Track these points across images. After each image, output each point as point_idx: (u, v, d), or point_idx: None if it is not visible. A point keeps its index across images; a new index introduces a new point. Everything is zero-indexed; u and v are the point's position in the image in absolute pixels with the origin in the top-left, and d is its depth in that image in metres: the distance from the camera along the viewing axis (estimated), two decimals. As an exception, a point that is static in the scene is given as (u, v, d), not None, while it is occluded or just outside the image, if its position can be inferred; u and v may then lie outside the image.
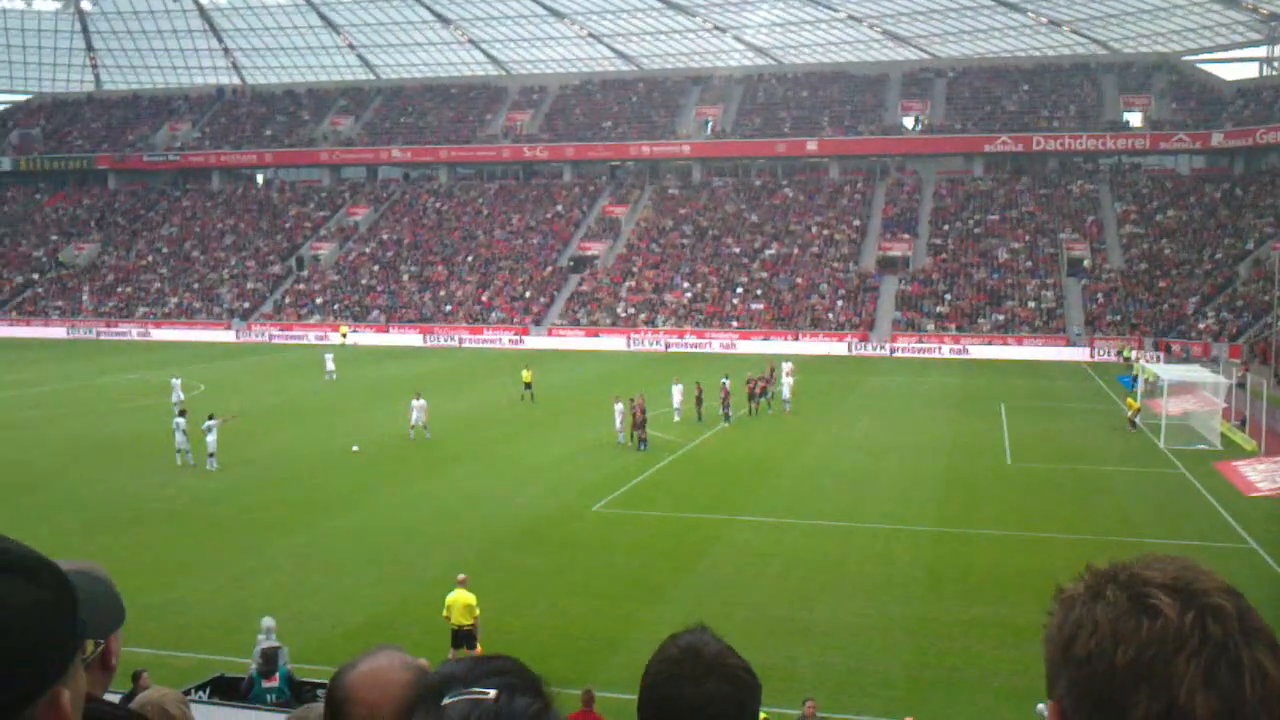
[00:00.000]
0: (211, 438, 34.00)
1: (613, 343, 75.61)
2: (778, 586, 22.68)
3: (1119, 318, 72.12)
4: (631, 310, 79.30)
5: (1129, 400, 43.45)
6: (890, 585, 22.76)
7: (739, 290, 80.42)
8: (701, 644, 2.15)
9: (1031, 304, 74.82)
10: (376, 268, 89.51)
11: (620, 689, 15.08)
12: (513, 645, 18.61)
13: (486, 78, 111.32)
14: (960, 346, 71.01)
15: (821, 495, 31.10)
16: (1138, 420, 41.48)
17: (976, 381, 57.03)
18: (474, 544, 25.61)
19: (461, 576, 18.37)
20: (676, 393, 44.24)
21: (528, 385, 48.78)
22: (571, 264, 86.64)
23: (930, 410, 47.29)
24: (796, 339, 73.55)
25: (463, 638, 17.61)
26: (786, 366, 49.28)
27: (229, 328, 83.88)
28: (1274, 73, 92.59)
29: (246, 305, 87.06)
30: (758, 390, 45.78)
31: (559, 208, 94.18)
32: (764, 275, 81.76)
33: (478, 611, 17.75)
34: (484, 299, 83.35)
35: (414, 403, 39.54)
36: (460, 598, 17.74)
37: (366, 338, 79.50)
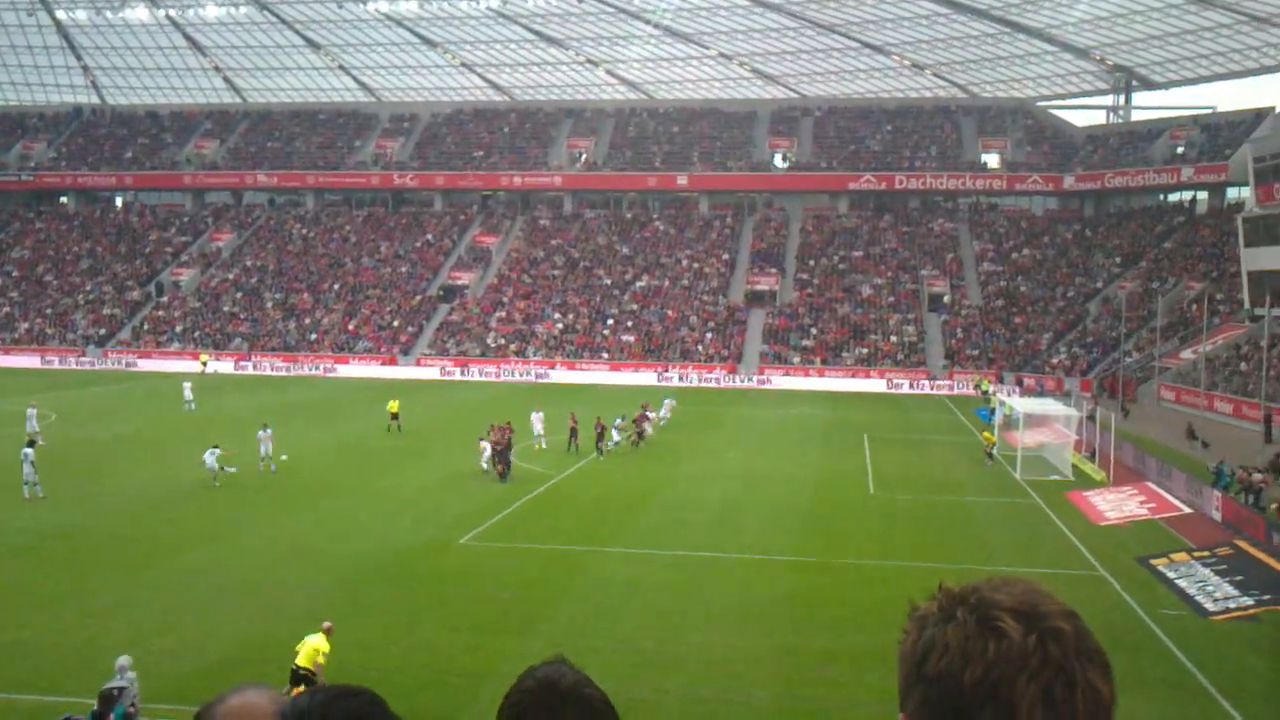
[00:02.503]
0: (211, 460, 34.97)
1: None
2: (646, 618, 22.75)
3: (977, 352, 74.38)
4: (502, 340, 78.97)
5: (986, 434, 44.74)
6: (757, 616, 23.01)
7: (610, 321, 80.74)
8: (558, 675, 2.14)
9: (894, 338, 76.69)
10: (239, 295, 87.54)
11: (488, 724, 14.93)
12: (379, 681, 18.23)
13: (356, 104, 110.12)
14: (825, 379, 72.34)
15: (689, 526, 31.31)
16: (994, 452, 42.76)
17: (840, 413, 58.14)
18: (338, 579, 25.13)
19: (327, 625, 18.05)
20: (537, 422, 44.32)
21: (394, 416, 48.18)
22: (441, 293, 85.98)
23: (796, 442, 48.02)
24: (666, 370, 74.08)
25: (298, 680, 17.28)
26: (669, 403, 50.24)
27: (83, 354, 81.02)
28: (1120, 120, 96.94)
29: (103, 332, 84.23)
30: (640, 427, 45.64)
31: (429, 236, 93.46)
32: (634, 307, 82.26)
33: (322, 660, 17.35)
34: (350, 328, 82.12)
35: (261, 434, 38.72)
36: (313, 642, 17.47)
37: (228, 366, 77.59)
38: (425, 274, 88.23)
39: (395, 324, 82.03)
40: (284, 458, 38.48)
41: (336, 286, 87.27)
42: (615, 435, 43.44)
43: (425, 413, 54.38)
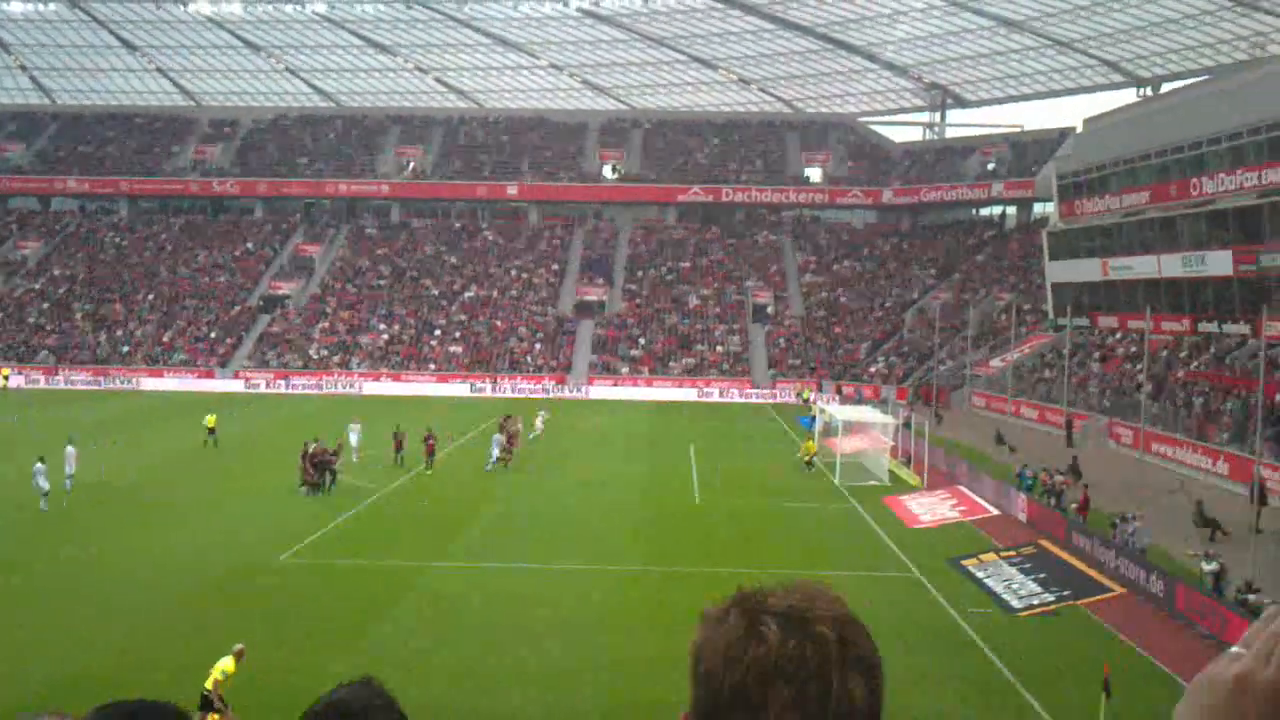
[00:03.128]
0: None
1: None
2: (475, 632, 22.62)
3: (799, 361, 76.21)
4: (325, 352, 77.35)
5: (807, 444, 45.54)
6: (588, 625, 23.11)
7: (437, 332, 79.96)
8: (352, 698, 2.04)
9: (719, 348, 78.01)
10: (46, 305, 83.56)
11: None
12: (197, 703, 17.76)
13: (174, 108, 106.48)
14: (653, 388, 73.05)
15: (519, 538, 31.27)
16: (815, 460, 43.73)
17: (667, 423, 58.76)
18: (155, 602, 24.26)
19: (238, 647, 17.59)
20: (353, 434, 43.74)
21: (211, 430, 46.64)
22: (261, 304, 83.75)
23: (623, 452, 48.32)
24: (494, 381, 73.73)
25: (205, 704, 16.95)
26: (543, 414, 51.01)
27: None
28: (935, 136, 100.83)
29: (-107, 344, 79.33)
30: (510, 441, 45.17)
31: (249, 245, 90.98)
32: (463, 318, 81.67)
33: (220, 678, 17.07)
34: (165, 340, 79.24)
35: (68, 450, 36.65)
36: (221, 664, 17.21)
37: (32, 380, 73.95)
38: (245, 284, 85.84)
39: (213, 335, 79.54)
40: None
41: (151, 297, 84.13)
42: (495, 451, 42.68)
43: (244, 427, 52.89)
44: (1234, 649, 1.32)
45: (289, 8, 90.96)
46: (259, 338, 79.57)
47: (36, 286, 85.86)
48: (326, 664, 20.16)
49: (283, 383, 73.71)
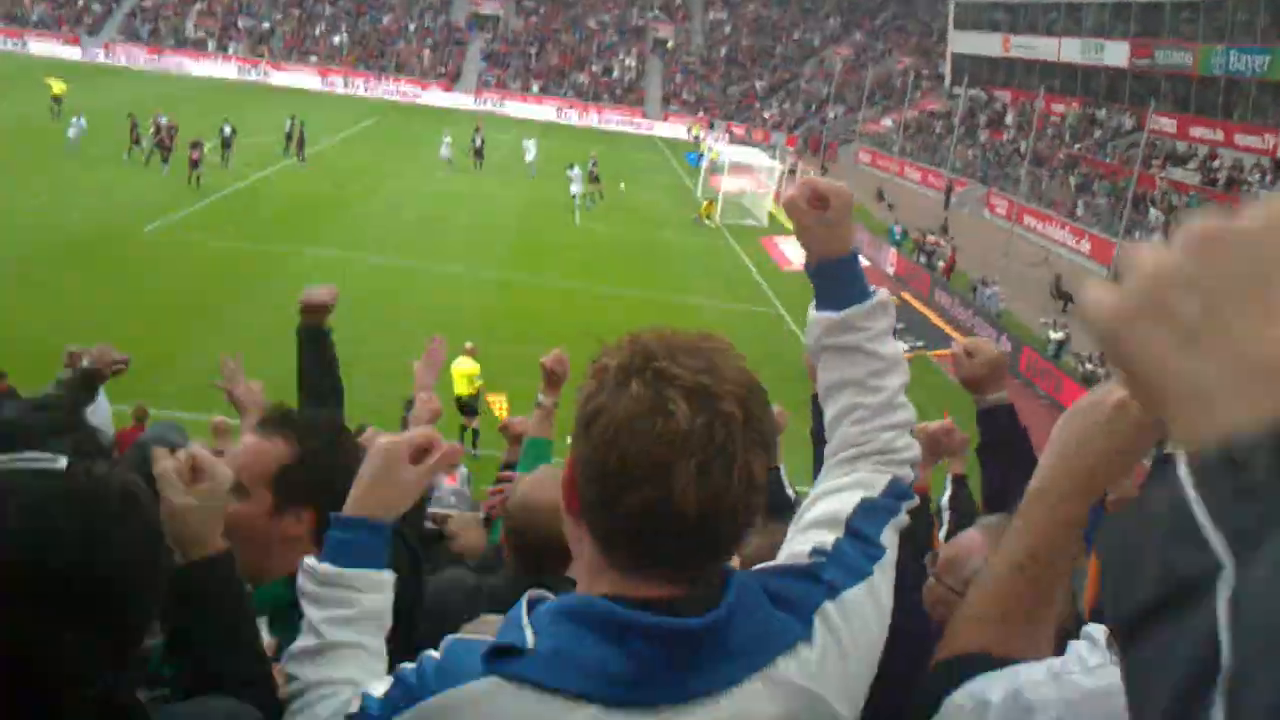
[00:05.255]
0: None
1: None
2: (337, 323, 22.40)
3: (693, 98, 75.12)
4: (201, 33, 73.15)
5: (709, 204, 42.18)
6: (445, 326, 23.01)
7: (322, 23, 76.27)
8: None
9: (615, 75, 76.29)
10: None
11: (172, 406, 14.54)
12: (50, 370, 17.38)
13: None
14: (543, 107, 71.39)
15: (394, 234, 30.97)
16: (712, 219, 42.03)
17: (555, 144, 57.59)
18: (5, 258, 23.40)
19: (469, 345, 17.37)
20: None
21: (57, 99, 43.60)
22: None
23: (507, 167, 47.50)
24: (378, 79, 71.23)
25: (463, 408, 16.99)
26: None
27: None
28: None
29: None
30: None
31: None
32: (350, 10, 77.88)
33: (479, 383, 17.17)
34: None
35: None
36: (461, 368, 16.99)
37: None
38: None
39: (80, 2, 74.34)
40: None
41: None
42: (578, 187, 40.38)
43: (104, 99, 50.13)
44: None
45: None
46: (131, 11, 74.75)
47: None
48: (186, 332, 20.00)
49: (155, 58, 69.80)
